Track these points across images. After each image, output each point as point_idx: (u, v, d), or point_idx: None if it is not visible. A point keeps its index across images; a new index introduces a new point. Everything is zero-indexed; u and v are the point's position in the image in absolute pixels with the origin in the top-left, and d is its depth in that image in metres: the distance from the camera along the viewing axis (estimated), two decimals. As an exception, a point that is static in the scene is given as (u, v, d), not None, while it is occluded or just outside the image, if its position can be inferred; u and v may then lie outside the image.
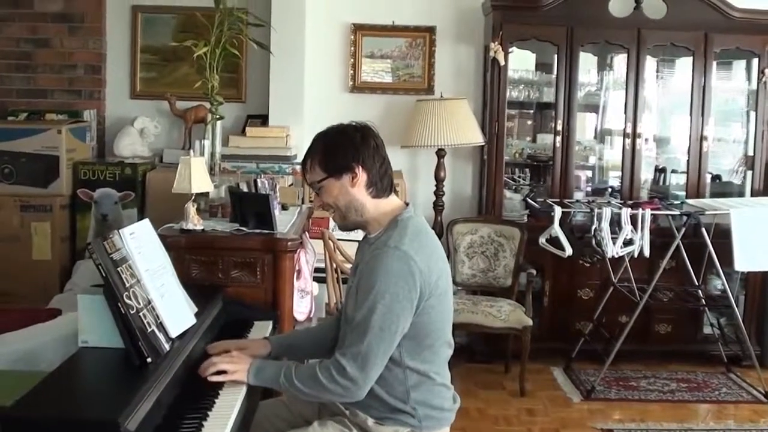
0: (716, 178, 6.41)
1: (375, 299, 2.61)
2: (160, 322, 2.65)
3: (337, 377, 2.63)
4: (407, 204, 2.89)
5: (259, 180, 4.11)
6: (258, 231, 3.68)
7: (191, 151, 3.89)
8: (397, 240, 2.68)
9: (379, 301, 2.61)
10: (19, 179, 5.37)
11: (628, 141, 6.01)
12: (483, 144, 6.01)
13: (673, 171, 6.45)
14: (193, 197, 3.66)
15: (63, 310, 3.79)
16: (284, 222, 3.93)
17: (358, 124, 2.86)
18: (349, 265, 4.53)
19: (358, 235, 2.98)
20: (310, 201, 4.90)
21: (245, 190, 4.00)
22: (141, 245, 2.74)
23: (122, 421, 2.09)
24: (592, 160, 6.52)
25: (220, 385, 2.72)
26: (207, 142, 4.37)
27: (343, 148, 2.79)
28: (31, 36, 6.00)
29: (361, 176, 2.78)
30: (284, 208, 4.33)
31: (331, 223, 5.18)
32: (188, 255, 3.53)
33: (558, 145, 5.99)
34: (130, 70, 6.11)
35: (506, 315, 5.41)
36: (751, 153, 6.22)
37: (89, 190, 5.13)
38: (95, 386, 2.51)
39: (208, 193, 4.04)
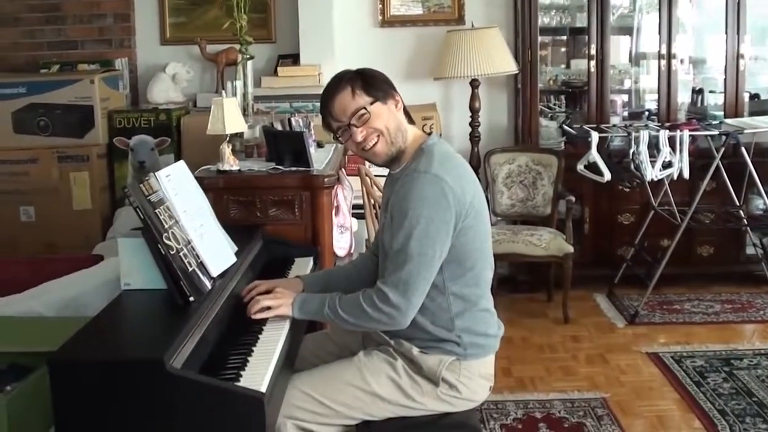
0: (755, 96, 6.27)
1: (411, 225, 2.61)
2: (201, 262, 2.66)
3: (380, 305, 2.63)
4: (430, 134, 2.90)
5: (293, 119, 4.10)
6: (294, 169, 3.68)
7: (223, 92, 3.88)
8: (426, 165, 2.68)
9: (415, 226, 2.60)
10: (54, 131, 5.39)
11: (663, 63, 5.89)
12: (516, 72, 5.94)
13: (711, 91, 6.32)
14: (227, 138, 3.66)
15: (105, 256, 3.83)
16: (320, 159, 3.93)
17: None
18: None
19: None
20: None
21: (280, 129, 3.99)
22: (177, 187, 2.75)
23: (167, 360, 2.11)
24: (628, 84, 6.43)
25: (264, 321, 2.74)
26: (239, 83, 4.37)
27: (378, 77, 2.83)
28: (58, -13, 5.99)
29: (400, 102, 2.83)
30: (320, 145, 4.32)
31: (367, 160, 5.16)
32: (226, 195, 3.56)
33: (592, 70, 5.90)
34: (159, 16, 6.06)
35: (547, 243, 5.40)
36: (789, 69, 6.10)
37: (125, 138, 5.14)
38: (139, 327, 2.55)
39: (242, 134, 4.04)
